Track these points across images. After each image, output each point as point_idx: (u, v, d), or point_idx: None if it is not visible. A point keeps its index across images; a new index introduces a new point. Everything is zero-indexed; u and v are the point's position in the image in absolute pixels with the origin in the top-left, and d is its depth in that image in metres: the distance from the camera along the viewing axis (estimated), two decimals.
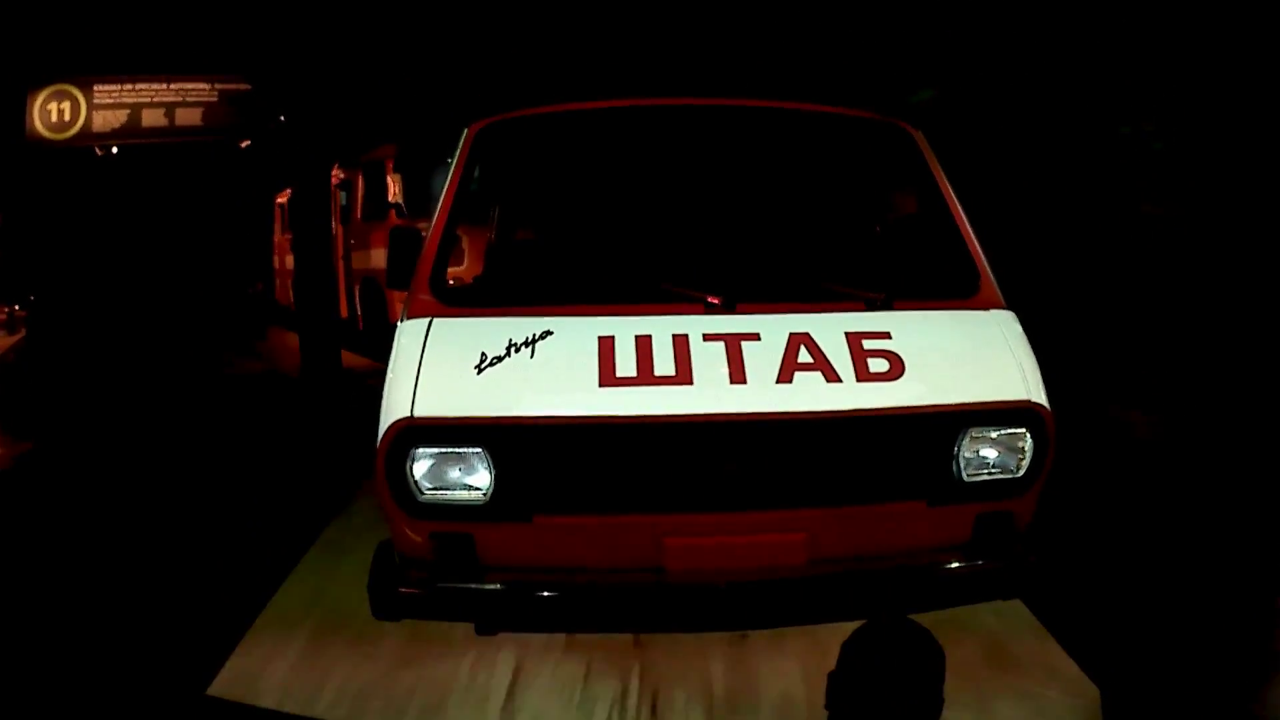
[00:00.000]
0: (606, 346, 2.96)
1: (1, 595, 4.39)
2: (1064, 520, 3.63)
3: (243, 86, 12.03)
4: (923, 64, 11.17)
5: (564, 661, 3.47)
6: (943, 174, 3.76)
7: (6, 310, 19.79)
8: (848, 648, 2.93)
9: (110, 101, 11.78)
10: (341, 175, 13.04)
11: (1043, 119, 9.98)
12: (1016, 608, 3.76)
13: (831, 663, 2.56)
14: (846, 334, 3.00)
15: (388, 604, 2.89)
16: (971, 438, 2.94)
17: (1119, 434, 6.88)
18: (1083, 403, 6.74)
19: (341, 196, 13.19)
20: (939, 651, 3.20)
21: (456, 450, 2.80)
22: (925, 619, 2.99)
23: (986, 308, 3.26)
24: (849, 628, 2.57)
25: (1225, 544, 4.64)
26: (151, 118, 11.97)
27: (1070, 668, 3.44)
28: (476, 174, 3.79)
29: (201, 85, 11.96)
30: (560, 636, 3.58)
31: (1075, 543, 4.41)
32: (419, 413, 2.75)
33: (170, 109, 12.01)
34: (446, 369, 2.86)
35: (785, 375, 2.88)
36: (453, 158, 3.75)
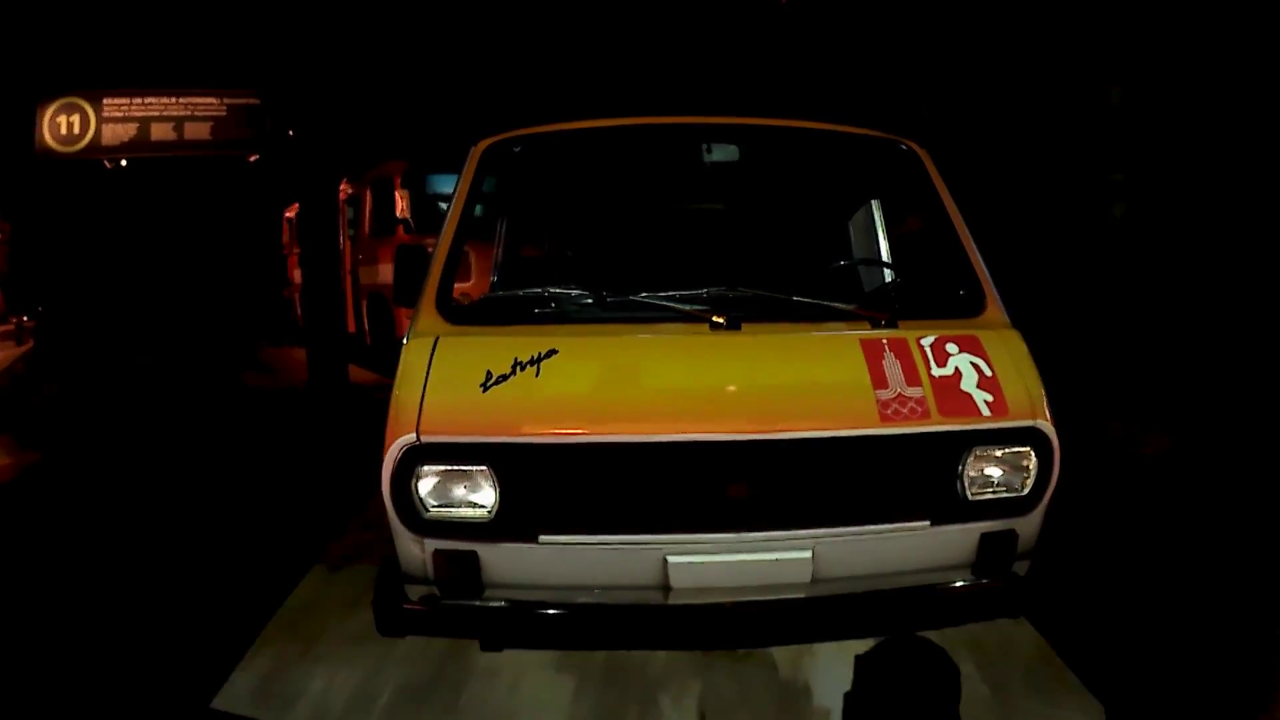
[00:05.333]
0: (611, 366, 2.98)
1: (7, 605, 4.41)
2: (1069, 538, 3.62)
3: (252, 101, 12.07)
4: (919, 81, 11.20)
5: None
6: (948, 193, 3.77)
7: (15, 321, 19.83)
8: (863, 667, 2.94)
9: (119, 115, 11.83)
10: (349, 190, 13.07)
11: (1039, 131, 9.99)
12: (1021, 625, 3.76)
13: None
14: (851, 354, 3.01)
15: (392, 620, 2.90)
16: (976, 456, 2.94)
17: (1125, 451, 6.86)
18: (1089, 419, 6.74)
19: (349, 212, 13.22)
20: (954, 670, 3.21)
21: (461, 468, 2.81)
22: (930, 637, 3.01)
23: (992, 326, 3.26)
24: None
25: (1232, 560, 4.63)
26: (160, 131, 12.00)
27: (1075, 686, 3.43)
28: (483, 192, 3.81)
29: (210, 99, 12.00)
30: None
31: (1080, 560, 4.41)
32: (424, 430, 2.76)
33: (179, 123, 12.05)
34: (452, 387, 2.86)
35: (790, 395, 2.90)
36: (459, 175, 3.78)
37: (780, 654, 3.55)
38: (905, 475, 2.92)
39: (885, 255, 4.55)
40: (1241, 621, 4.01)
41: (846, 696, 3.20)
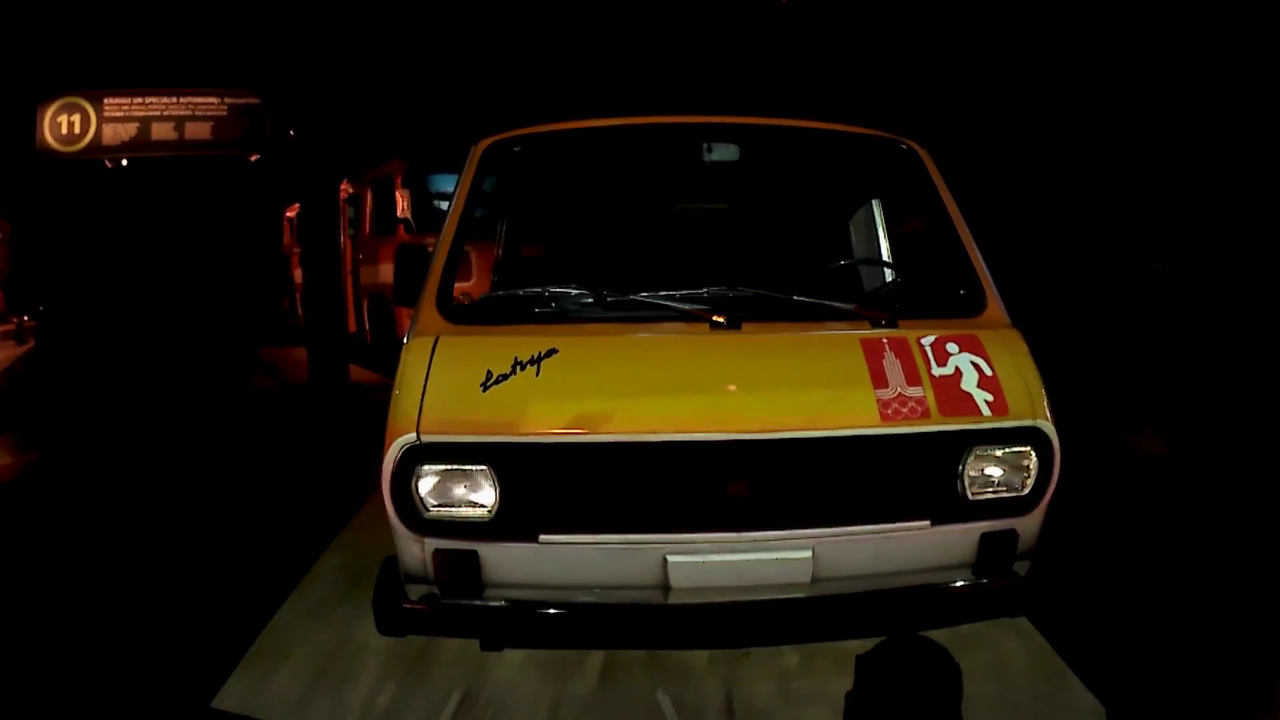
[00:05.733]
0: (611, 365, 2.98)
1: (7, 606, 4.41)
2: (1070, 537, 3.61)
3: (252, 100, 12.06)
4: (924, 80, 11.19)
5: None
6: (949, 192, 3.77)
7: (16, 321, 19.85)
8: (864, 666, 2.94)
9: (120, 114, 11.81)
10: (350, 190, 13.07)
11: (1043, 133, 10.00)
12: (1022, 625, 3.76)
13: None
14: (852, 353, 3.01)
15: (392, 620, 2.90)
16: (976, 456, 2.94)
17: (1124, 451, 6.86)
18: (1090, 419, 6.74)
19: (350, 212, 13.23)
20: (956, 669, 3.21)
21: (462, 468, 2.81)
22: (932, 637, 3.00)
23: (992, 326, 3.26)
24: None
25: (1233, 560, 4.63)
26: (161, 131, 11.99)
27: (1076, 687, 3.43)
28: (483, 192, 3.81)
29: (211, 99, 11.98)
30: None
31: (1081, 559, 4.40)
32: (425, 430, 2.76)
33: (180, 122, 12.03)
34: (452, 387, 2.86)
35: (790, 394, 2.90)
36: (460, 175, 3.78)
37: (780, 653, 3.56)
38: (905, 475, 2.92)
39: (886, 255, 4.55)
40: (1241, 621, 4.01)
41: (848, 696, 3.20)
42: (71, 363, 14.41)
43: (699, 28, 12.45)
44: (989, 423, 2.91)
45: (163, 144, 11.96)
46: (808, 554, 2.86)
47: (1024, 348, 3.15)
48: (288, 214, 16.81)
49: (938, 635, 3.52)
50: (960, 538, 2.98)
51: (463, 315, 3.29)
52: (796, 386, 2.93)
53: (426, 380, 2.88)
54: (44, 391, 12.08)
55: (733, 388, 2.91)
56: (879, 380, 2.91)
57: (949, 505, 2.93)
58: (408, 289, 3.47)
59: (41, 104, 11.65)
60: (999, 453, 2.96)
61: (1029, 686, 3.42)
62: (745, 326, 3.09)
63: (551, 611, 2.81)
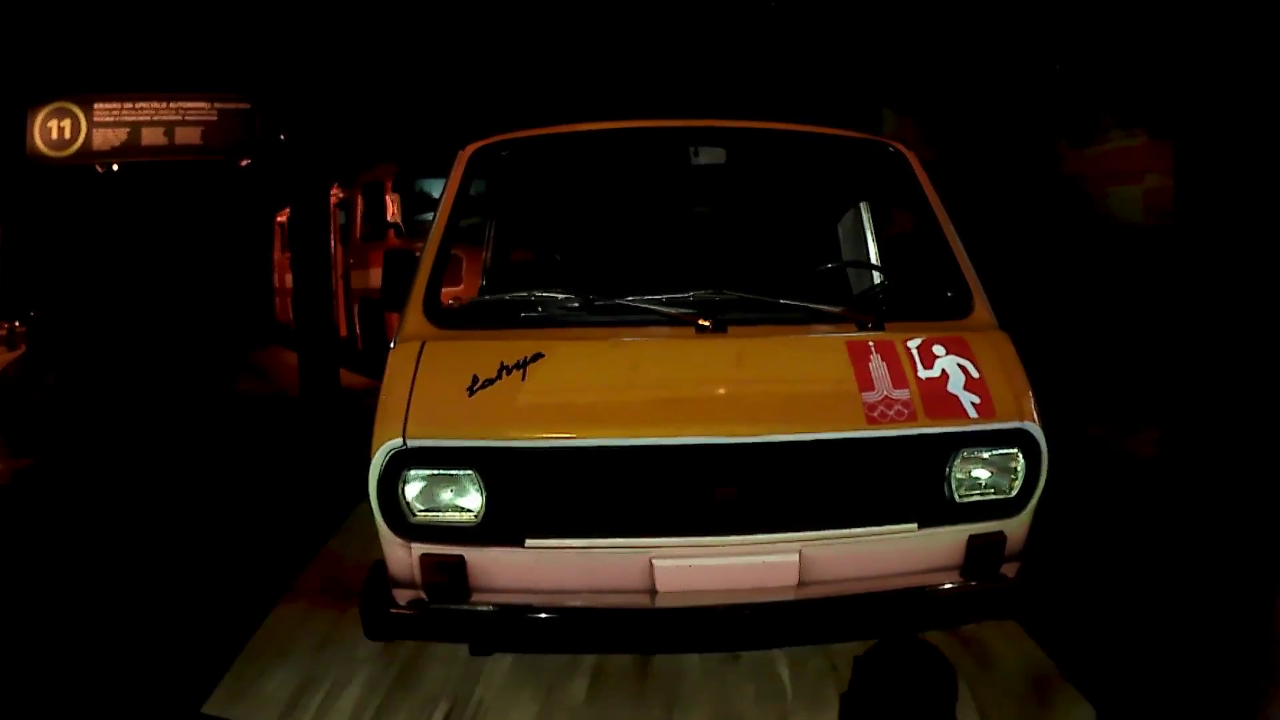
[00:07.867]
0: (597, 369, 2.98)
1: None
2: (1058, 539, 3.61)
3: (243, 105, 12.06)
4: (901, 82, 11.21)
5: None
6: (935, 194, 3.77)
7: (7, 327, 19.81)
8: (860, 667, 2.93)
9: (110, 120, 11.82)
10: (341, 195, 13.07)
11: (1022, 132, 10.00)
12: (1011, 628, 3.76)
13: None
14: (838, 356, 3.01)
15: (380, 625, 2.88)
16: (963, 459, 2.93)
17: (1113, 453, 6.87)
18: (1077, 421, 6.75)
19: (341, 216, 13.22)
20: (951, 670, 3.21)
21: (448, 473, 2.80)
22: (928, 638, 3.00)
23: (979, 328, 3.26)
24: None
25: (1222, 561, 4.63)
26: (151, 136, 12.00)
27: (1065, 688, 3.43)
28: (471, 197, 3.80)
29: (201, 104, 11.99)
30: None
31: (1070, 561, 4.41)
32: (411, 435, 2.75)
33: (170, 127, 12.04)
34: (438, 391, 2.86)
35: (776, 398, 2.90)
36: (447, 180, 3.77)
37: (775, 656, 3.56)
38: (892, 478, 2.91)
39: (873, 257, 4.56)
40: (1231, 622, 4.02)
41: (843, 697, 3.20)
42: (63, 368, 14.37)
43: (687, 30, 12.46)
44: (976, 425, 2.91)
45: (153, 149, 11.98)
46: (794, 557, 2.85)
47: (1011, 350, 3.16)
48: (279, 219, 16.80)
49: (932, 636, 3.52)
50: (948, 540, 2.97)
51: (449, 320, 3.28)
52: (783, 390, 2.93)
53: (413, 385, 2.87)
54: (35, 397, 12.05)
55: (719, 391, 2.92)
56: (865, 383, 2.91)
57: (936, 508, 2.93)
58: (395, 294, 3.47)
59: (31, 109, 11.66)
60: (986, 455, 2.96)
61: (1018, 688, 3.41)
62: (731, 330, 3.09)
63: (539, 616, 2.80)
